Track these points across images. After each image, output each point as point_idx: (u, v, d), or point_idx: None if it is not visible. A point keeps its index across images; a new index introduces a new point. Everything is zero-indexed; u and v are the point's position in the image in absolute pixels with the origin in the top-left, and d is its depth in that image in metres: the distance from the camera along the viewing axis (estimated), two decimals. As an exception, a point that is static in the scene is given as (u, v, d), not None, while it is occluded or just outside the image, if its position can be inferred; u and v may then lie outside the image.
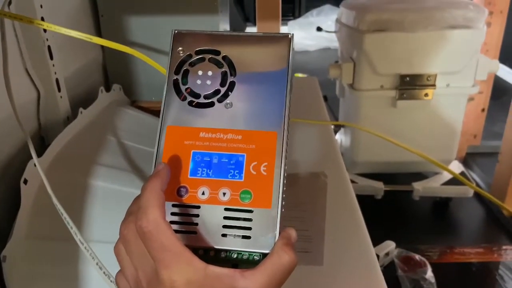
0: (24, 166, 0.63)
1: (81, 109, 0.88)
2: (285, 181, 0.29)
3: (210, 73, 0.31)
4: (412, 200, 1.53)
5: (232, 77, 0.31)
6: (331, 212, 0.55)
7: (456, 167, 1.58)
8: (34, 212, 0.67)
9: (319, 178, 0.63)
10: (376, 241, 0.50)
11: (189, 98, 0.31)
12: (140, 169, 0.84)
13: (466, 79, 1.37)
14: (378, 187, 1.52)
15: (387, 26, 1.28)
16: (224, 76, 0.31)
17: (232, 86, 0.30)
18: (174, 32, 0.32)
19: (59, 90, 0.85)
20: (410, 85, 1.35)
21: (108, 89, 1.10)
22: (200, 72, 0.31)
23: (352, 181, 0.64)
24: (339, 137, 1.73)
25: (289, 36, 0.31)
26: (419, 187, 1.51)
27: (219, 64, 0.31)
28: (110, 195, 0.75)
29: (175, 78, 0.31)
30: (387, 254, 1.21)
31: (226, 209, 0.28)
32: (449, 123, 1.45)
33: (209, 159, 0.29)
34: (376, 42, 1.29)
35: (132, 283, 0.28)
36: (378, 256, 0.46)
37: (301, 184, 0.61)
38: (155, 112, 1.25)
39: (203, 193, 0.29)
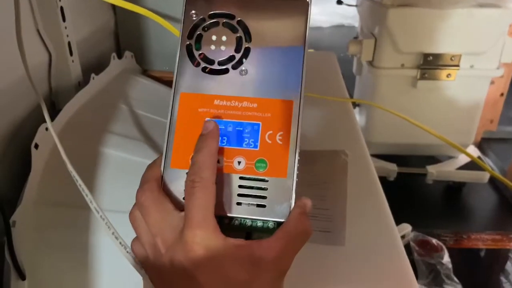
0: (35, 131, 0.61)
1: (93, 75, 0.85)
2: (299, 151, 0.28)
3: (224, 38, 0.30)
4: (424, 183, 1.51)
5: (247, 43, 0.29)
6: (352, 191, 0.53)
7: (473, 151, 1.54)
8: (44, 178, 0.66)
9: (340, 157, 0.60)
10: None
11: (203, 64, 0.30)
12: (152, 139, 0.82)
13: (491, 61, 1.31)
14: (391, 169, 1.50)
15: (412, 1, 1.22)
16: (239, 41, 0.29)
17: (247, 52, 0.29)
18: None
19: (71, 53, 0.82)
20: (432, 64, 1.30)
21: (119, 56, 1.07)
22: (214, 37, 0.30)
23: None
24: (353, 116, 1.70)
25: (307, 0, 0.29)
26: (434, 171, 1.48)
27: (233, 29, 0.30)
28: (121, 163, 0.74)
29: (188, 43, 0.30)
30: (403, 236, 1.19)
31: (241, 178, 0.28)
32: (469, 107, 1.40)
33: (224, 127, 0.29)
34: (400, 18, 1.23)
35: (149, 250, 0.28)
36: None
37: (321, 162, 0.59)
38: (168, 82, 1.22)
39: (218, 162, 0.28)
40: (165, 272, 0.26)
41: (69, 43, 0.82)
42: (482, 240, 1.25)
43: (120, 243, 0.36)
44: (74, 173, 0.41)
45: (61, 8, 0.79)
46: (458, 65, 1.31)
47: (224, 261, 0.25)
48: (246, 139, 0.28)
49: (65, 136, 0.73)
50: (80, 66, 0.87)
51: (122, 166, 0.74)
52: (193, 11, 0.30)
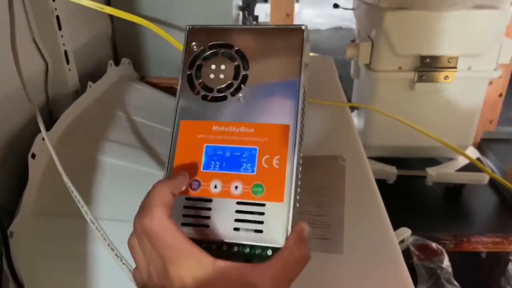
0: (32, 140, 0.61)
1: (90, 82, 0.85)
2: (299, 175, 0.28)
3: (223, 66, 0.31)
4: (424, 185, 1.50)
5: (245, 70, 0.31)
6: (350, 197, 0.52)
7: (472, 153, 1.54)
8: (42, 188, 0.65)
9: (337, 162, 0.60)
10: None
11: (203, 93, 0.31)
12: (150, 147, 0.82)
13: (488, 62, 1.32)
14: (390, 172, 1.50)
15: (409, 4, 1.22)
16: (237, 69, 0.31)
17: (245, 79, 0.30)
18: (188, 28, 0.32)
19: (67, 62, 0.82)
20: (430, 67, 1.30)
21: (117, 63, 1.07)
22: (213, 66, 0.31)
23: (366, 165, 0.62)
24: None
25: (302, 28, 0.31)
26: (433, 173, 1.47)
27: (232, 58, 0.31)
28: (119, 172, 0.73)
29: (189, 73, 0.31)
30: (402, 241, 1.18)
31: (238, 203, 0.28)
32: (468, 108, 1.40)
33: (221, 153, 0.29)
34: (397, 21, 1.24)
35: (145, 277, 0.27)
36: (393, 243, 0.46)
37: (318, 168, 0.58)
38: (165, 88, 1.22)
39: (215, 187, 0.29)
40: None
41: (65, 52, 0.82)
42: (482, 243, 1.24)
43: (116, 254, 0.36)
44: (69, 184, 0.40)
45: (57, 17, 0.79)
46: (455, 67, 1.31)
47: (215, 285, 0.25)
48: (243, 164, 0.29)
49: (63, 145, 0.73)
50: (77, 74, 0.87)
51: (120, 174, 0.73)
52: (194, 43, 0.32)
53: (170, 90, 1.20)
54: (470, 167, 1.45)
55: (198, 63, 0.31)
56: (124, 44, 1.18)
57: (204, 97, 0.31)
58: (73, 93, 0.85)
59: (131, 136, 0.82)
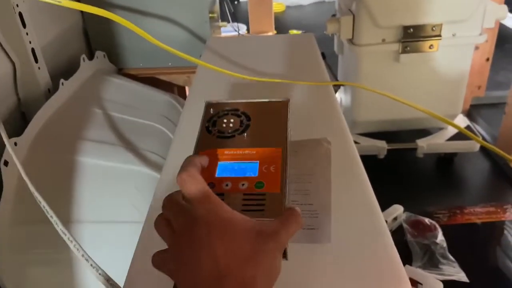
0: (4, 147, 0.58)
1: (62, 80, 0.82)
2: (288, 175, 0.38)
3: (232, 120, 0.44)
4: (415, 157, 1.49)
5: (247, 121, 0.43)
6: (335, 180, 0.51)
7: (462, 121, 1.53)
8: (18, 195, 0.63)
9: (322, 145, 0.58)
10: (381, 202, 0.46)
11: (217, 134, 0.42)
12: (131, 143, 0.79)
13: (473, 27, 1.29)
14: (381, 146, 1.48)
15: (388, -27, 1.18)
16: (241, 121, 0.43)
17: (247, 126, 0.43)
18: (206, 102, 0.46)
19: (36, 60, 0.79)
20: (414, 37, 1.27)
21: (91, 57, 1.03)
22: (225, 120, 0.44)
23: (354, 142, 0.59)
24: (338, 96, 1.67)
25: (287, 101, 0.45)
26: (424, 144, 1.46)
27: (238, 115, 0.44)
28: (100, 171, 0.71)
29: (207, 125, 0.43)
30: (395, 218, 1.18)
31: (244, 194, 0.36)
32: (455, 76, 1.38)
33: (231, 166, 0.39)
34: (377, -9, 1.20)
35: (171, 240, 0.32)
36: (386, 221, 0.44)
37: (303, 153, 0.56)
38: (144, 79, 1.18)
39: (226, 185, 0.37)
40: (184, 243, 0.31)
41: (32, 50, 0.78)
42: (476, 214, 1.24)
43: (91, 265, 0.34)
44: (36, 194, 0.38)
45: (20, 14, 0.75)
46: (440, 35, 1.28)
47: (235, 226, 0.30)
48: (248, 171, 0.38)
49: (37, 149, 0.70)
50: (48, 73, 0.84)
51: (101, 174, 0.71)
52: (211, 109, 0.45)
53: (149, 81, 1.16)
54: (462, 135, 1.44)
55: (214, 119, 0.44)
56: (97, 36, 1.13)
57: (219, 136, 0.42)
58: (45, 93, 0.82)
59: (109, 133, 0.79)
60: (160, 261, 0.32)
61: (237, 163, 0.39)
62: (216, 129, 0.43)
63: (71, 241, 0.36)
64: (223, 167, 0.39)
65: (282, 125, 0.43)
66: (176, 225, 0.32)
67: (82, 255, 0.35)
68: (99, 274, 0.35)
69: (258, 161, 0.39)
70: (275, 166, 0.38)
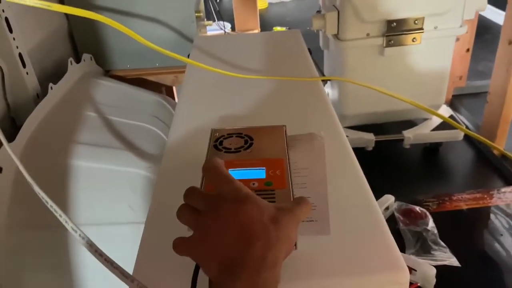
0: (-4, 154, 0.58)
1: (51, 84, 0.81)
2: (291, 174, 0.46)
3: (236, 140, 0.51)
4: (402, 148, 1.52)
5: (251, 140, 0.51)
6: (330, 173, 0.52)
7: (445, 111, 1.56)
8: (13, 201, 0.63)
9: (315, 139, 0.59)
10: (372, 193, 0.48)
11: (224, 150, 0.50)
12: (123, 144, 0.79)
13: (454, 19, 1.32)
14: (369, 139, 1.50)
15: (370, -32, 1.20)
16: (245, 141, 0.51)
17: (251, 144, 0.51)
18: (213, 129, 0.54)
19: (23, 65, 0.78)
20: (397, 30, 1.29)
21: (77, 60, 1.02)
22: (230, 141, 0.51)
23: (343, 135, 0.61)
24: (326, 91, 1.68)
25: (283, 127, 0.54)
26: (410, 135, 1.49)
27: (242, 137, 0.52)
28: (93, 174, 0.71)
29: (214, 144, 0.51)
30: (387, 208, 1.20)
31: (256, 191, 0.38)
32: (438, 67, 1.41)
33: (241, 173, 0.45)
34: (360, -13, 1.22)
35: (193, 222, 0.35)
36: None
37: (297, 148, 0.58)
38: (132, 81, 1.18)
39: None
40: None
41: (20, 55, 0.78)
42: (464, 200, 1.27)
43: (106, 259, 0.34)
44: (42, 194, 0.38)
45: (6, 19, 0.74)
46: (422, 28, 1.31)
47: (257, 200, 0.35)
48: (257, 175, 0.45)
49: (30, 154, 0.70)
50: (36, 77, 0.83)
51: (95, 176, 0.71)
52: (217, 133, 0.53)
53: (137, 82, 1.16)
54: (446, 124, 1.47)
55: (220, 140, 0.51)
56: (83, 39, 1.13)
57: (226, 151, 0.49)
58: (34, 97, 0.81)
59: (101, 135, 0.79)
60: (183, 243, 0.34)
61: (246, 170, 0.46)
62: (223, 147, 0.50)
63: (83, 238, 0.36)
64: (233, 173, 0.41)
65: (281, 142, 0.50)
66: (202, 205, 0.35)
67: (96, 251, 0.36)
68: (114, 267, 0.35)
69: (265, 168, 0.46)
70: (280, 171, 0.45)
